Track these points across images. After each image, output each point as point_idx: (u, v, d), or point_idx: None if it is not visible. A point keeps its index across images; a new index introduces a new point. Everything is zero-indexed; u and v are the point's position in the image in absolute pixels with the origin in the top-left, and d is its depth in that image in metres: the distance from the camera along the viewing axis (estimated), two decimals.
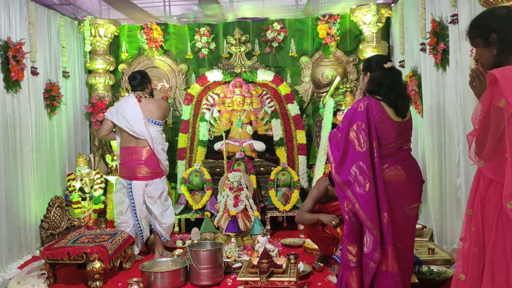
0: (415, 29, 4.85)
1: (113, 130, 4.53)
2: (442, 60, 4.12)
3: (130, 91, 4.58)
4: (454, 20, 3.83)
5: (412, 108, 4.80)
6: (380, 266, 2.67)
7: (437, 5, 4.27)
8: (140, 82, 4.47)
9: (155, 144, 4.37)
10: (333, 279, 3.71)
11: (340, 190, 2.77)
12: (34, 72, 4.90)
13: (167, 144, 4.61)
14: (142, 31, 6.24)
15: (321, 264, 4.03)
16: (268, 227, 5.29)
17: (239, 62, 6.08)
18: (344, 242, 2.81)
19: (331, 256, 3.94)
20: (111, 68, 6.23)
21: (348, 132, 2.73)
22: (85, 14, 5.87)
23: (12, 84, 4.44)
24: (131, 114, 4.35)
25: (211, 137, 6.05)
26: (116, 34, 6.21)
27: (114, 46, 6.33)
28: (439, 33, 4.12)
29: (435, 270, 3.61)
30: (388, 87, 2.75)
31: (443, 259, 3.84)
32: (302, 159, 5.92)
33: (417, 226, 4.17)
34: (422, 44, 4.55)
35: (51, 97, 5.25)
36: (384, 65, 2.84)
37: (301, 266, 3.90)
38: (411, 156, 2.91)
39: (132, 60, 6.38)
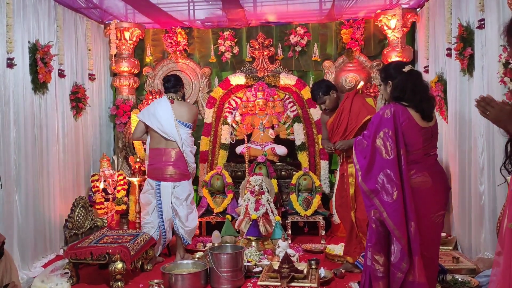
0: (441, 34, 4.79)
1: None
2: (469, 66, 4.05)
3: (164, 93, 4.68)
4: (481, 25, 3.76)
5: (437, 114, 4.74)
6: (407, 276, 2.62)
7: (464, 10, 4.20)
8: (174, 84, 4.57)
9: (184, 146, 4.43)
10: (355, 286, 3.66)
11: (367, 198, 2.73)
12: (61, 74, 5.00)
13: (195, 147, 4.67)
14: (166, 35, 6.31)
15: (343, 270, 3.99)
16: (289, 232, 5.26)
17: (262, 66, 6.09)
18: (371, 251, 2.75)
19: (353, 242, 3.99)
20: (136, 71, 6.31)
21: (375, 139, 2.69)
22: (111, 18, 5.98)
23: (40, 86, 4.54)
24: (163, 115, 4.43)
25: (233, 141, 6.06)
26: (141, 37, 6.30)
27: (138, 50, 6.41)
28: (466, 38, 4.05)
29: (459, 279, 3.54)
30: (411, 90, 2.73)
31: (468, 268, 3.76)
32: (324, 164, 5.89)
33: (442, 234, 4.11)
34: (448, 49, 4.48)
35: (77, 99, 5.34)
36: (403, 69, 2.84)
37: (322, 271, 3.87)
38: (437, 162, 2.86)
39: (156, 63, 6.45)
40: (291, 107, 6.04)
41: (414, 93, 2.73)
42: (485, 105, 1.94)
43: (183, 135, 4.43)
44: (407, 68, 2.83)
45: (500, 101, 1.96)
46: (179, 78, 4.67)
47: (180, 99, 4.57)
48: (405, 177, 2.63)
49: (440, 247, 3.39)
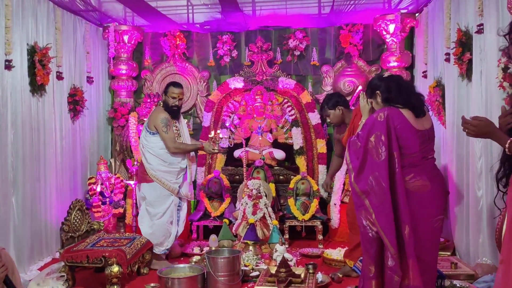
0: (440, 38, 4.79)
1: None
2: (468, 71, 4.05)
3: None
4: (480, 30, 3.77)
5: (435, 119, 4.74)
6: (403, 280, 2.61)
7: (463, 15, 4.20)
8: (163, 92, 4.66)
9: (142, 147, 4.51)
10: None
11: (358, 198, 2.75)
12: (59, 77, 4.99)
13: (160, 152, 4.38)
14: (165, 38, 6.31)
15: (340, 275, 3.97)
16: (287, 236, 5.24)
17: (260, 70, 6.08)
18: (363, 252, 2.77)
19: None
20: (134, 74, 6.30)
21: (367, 141, 2.71)
22: (110, 21, 5.97)
23: (38, 88, 4.52)
24: None
25: (231, 145, 6.05)
26: (139, 40, 6.29)
27: (137, 53, 6.41)
28: (465, 43, 4.05)
29: (457, 285, 3.52)
30: (396, 89, 2.82)
31: (466, 273, 3.75)
32: (322, 169, 5.88)
33: (440, 239, 4.09)
34: (447, 54, 4.49)
35: (75, 101, 5.33)
36: (383, 76, 2.98)
37: (320, 276, 3.86)
38: (436, 166, 2.86)
39: (154, 66, 6.45)
40: (289, 111, 6.04)
41: (399, 90, 2.81)
42: (466, 125, 2.16)
43: (141, 136, 4.56)
44: (386, 74, 2.98)
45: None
46: (167, 85, 4.53)
47: (160, 106, 4.53)
48: (399, 180, 2.62)
49: (439, 252, 3.37)
